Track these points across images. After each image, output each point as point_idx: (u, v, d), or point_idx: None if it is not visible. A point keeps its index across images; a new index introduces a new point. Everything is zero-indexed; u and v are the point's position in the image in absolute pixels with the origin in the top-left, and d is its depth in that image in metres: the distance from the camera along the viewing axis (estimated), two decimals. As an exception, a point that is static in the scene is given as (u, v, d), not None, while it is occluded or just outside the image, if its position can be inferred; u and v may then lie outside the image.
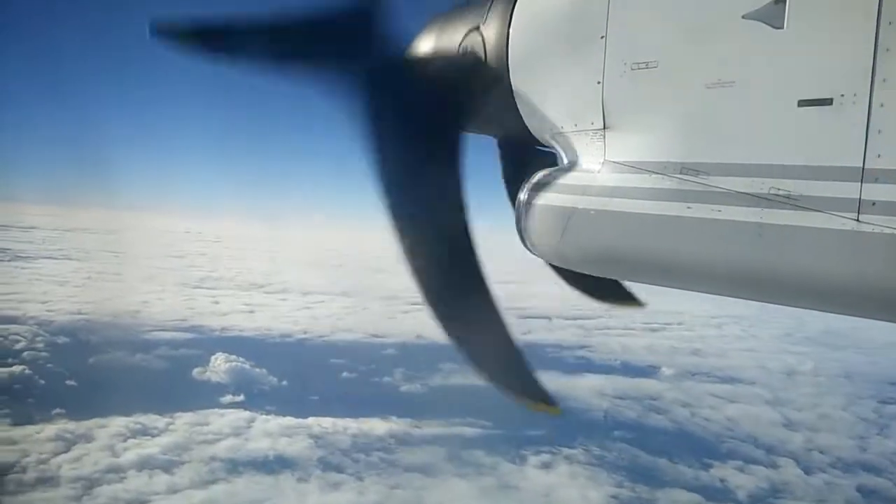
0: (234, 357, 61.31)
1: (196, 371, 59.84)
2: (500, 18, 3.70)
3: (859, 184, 2.32)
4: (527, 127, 3.75)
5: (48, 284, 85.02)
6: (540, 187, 3.55)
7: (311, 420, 48.50)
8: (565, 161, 3.53)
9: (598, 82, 3.17)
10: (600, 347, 70.33)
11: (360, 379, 61.29)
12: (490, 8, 3.82)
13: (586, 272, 3.61)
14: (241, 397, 54.27)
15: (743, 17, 2.55)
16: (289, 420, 48.65)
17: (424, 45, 4.20)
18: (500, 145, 4.40)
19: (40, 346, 62.63)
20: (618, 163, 3.14)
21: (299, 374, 58.34)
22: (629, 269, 3.40)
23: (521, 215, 3.62)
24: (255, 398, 54.05)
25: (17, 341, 62.77)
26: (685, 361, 66.59)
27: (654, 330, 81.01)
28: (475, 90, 3.83)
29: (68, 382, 54.69)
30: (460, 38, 3.95)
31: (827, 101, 2.38)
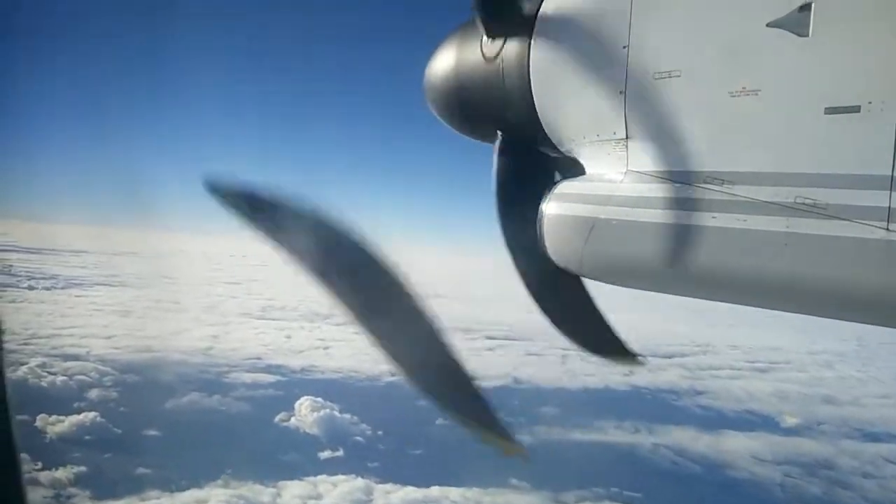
0: (319, 401, 55.52)
1: (279, 417, 54.13)
2: (520, 40, 3.63)
3: (888, 192, 2.30)
4: (547, 136, 3.66)
5: (108, 315, 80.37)
6: (563, 197, 3.50)
7: (435, 491, 42.30)
8: (588, 171, 3.48)
9: (621, 92, 3.12)
10: (721, 393, 63.51)
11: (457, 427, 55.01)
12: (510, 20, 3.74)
13: (608, 283, 3.51)
14: (340, 452, 48.53)
15: (767, 25, 2.52)
16: (412, 492, 42.46)
17: (445, 58, 4.14)
18: (501, 152, 4.01)
19: (108, 385, 57.66)
20: (641, 172, 3.09)
21: (393, 421, 52.20)
22: (652, 280, 3.26)
23: (543, 225, 3.54)
24: (356, 454, 48.26)
25: (85, 382, 57.76)
26: (826, 413, 59.53)
27: (761, 370, 74.23)
28: (496, 100, 3.81)
29: (148, 432, 49.21)
30: (481, 50, 3.90)
31: (854, 109, 2.36)
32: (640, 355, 4.08)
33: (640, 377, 67.28)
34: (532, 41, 3.58)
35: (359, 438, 50.75)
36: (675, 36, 2.97)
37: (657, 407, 58.97)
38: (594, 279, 3.55)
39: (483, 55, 3.87)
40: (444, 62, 4.18)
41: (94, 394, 55.66)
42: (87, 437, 47.84)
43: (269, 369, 63.05)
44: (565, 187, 3.56)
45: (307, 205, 3.52)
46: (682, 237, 2.88)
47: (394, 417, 52.40)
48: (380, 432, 51.32)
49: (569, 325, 3.98)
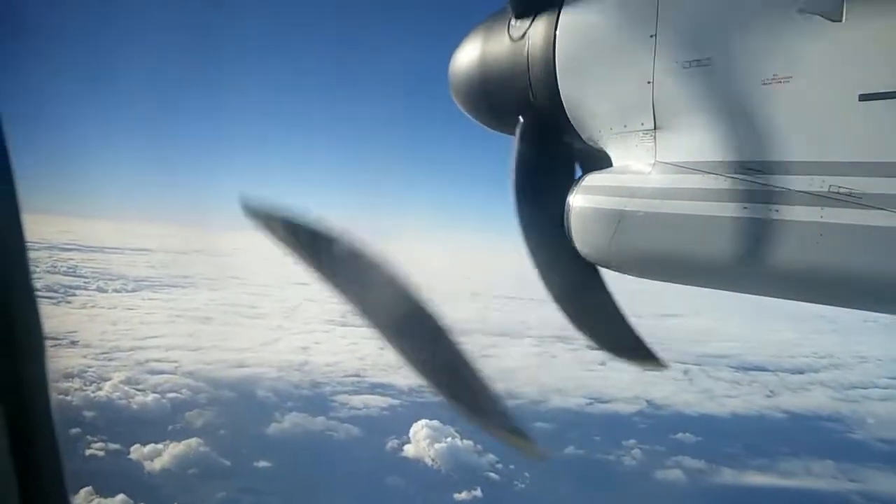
0: (436, 425, 49.12)
1: (392, 444, 48.08)
2: (547, 20, 3.58)
3: None
4: (571, 126, 3.59)
5: (190, 322, 75.55)
6: (589, 190, 3.45)
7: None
8: (615, 162, 3.41)
9: (649, 82, 3.04)
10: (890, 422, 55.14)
11: (591, 459, 48.24)
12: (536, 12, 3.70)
13: (637, 276, 3.46)
14: (478, 492, 42.06)
15: (798, 10, 2.49)
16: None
17: (470, 49, 4.10)
18: (522, 129, 3.88)
19: (204, 403, 52.44)
20: (669, 163, 3.05)
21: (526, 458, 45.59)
22: (681, 273, 3.18)
23: (570, 218, 3.47)
24: (495, 495, 41.73)
25: (178, 402, 52.57)
26: None
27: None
28: (520, 82, 3.73)
29: (258, 463, 43.61)
30: (508, 33, 3.85)
31: (890, 95, 2.32)
32: (662, 359, 3.92)
33: (783, 400, 59.80)
34: (558, 21, 3.50)
35: (493, 475, 44.30)
36: (703, 24, 2.92)
37: (827, 440, 51.26)
38: (622, 272, 3.45)
39: (510, 36, 3.81)
40: (469, 54, 4.11)
41: (191, 415, 50.39)
42: (191, 471, 42.43)
43: (374, 388, 56.94)
44: (592, 179, 3.47)
45: (339, 232, 3.42)
46: (712, 229, 2.83)
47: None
48: (511, 466, 44.81)
49: (589, 324, 3.89)
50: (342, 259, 3.40)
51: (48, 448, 2.04)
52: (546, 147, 3.81)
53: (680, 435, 51.58)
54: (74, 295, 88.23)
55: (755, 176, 2.68)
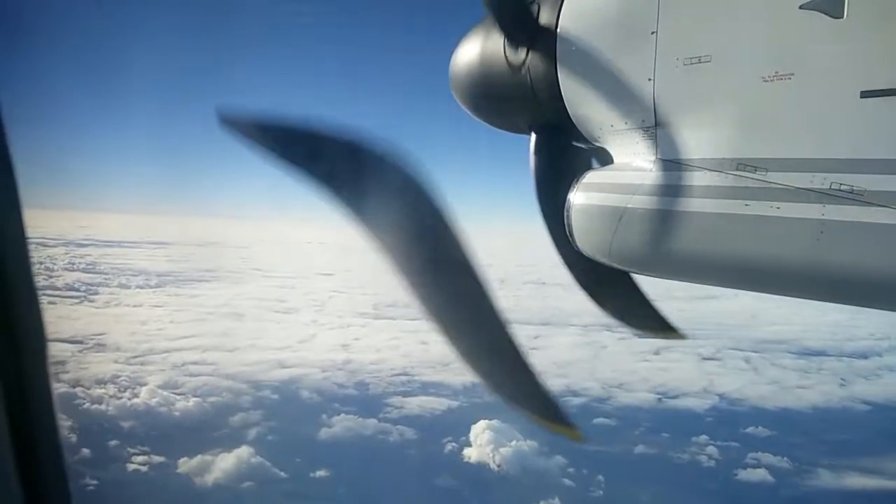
0: (497, 426, 45.88)
1: (450, 447, 44.89)
2: (548, 15, 3.56)
3: None
4: (574, 125, 3.62)
5: (221, 318, 72.53)
6: (590, 187, 3.46)
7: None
8: (616, 160, 3.44)
9: (649, 79, 3.05)
10: None
11: (665, 457, 44.99)
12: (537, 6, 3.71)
13: (638, 273, 3.56)
14: (557, 502, 38.88)
15: (800, 7, 2.50)
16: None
17: (470, 48, 4.07)
18: (536, 141, 3.98)
19: (248, 408, 49.38)
20: (670, 161, 3.06)
21: (594, 455, 42.49)
22: (683, 270, 3.20)
23: (571, 215, 3.50)
24: (575, 504, 38.57)
25: (220, 406, 49.54)
26: None
27: None
28: (522, 91, 3.74)
29: (317, 473, 40.54)
30: (504, 55, 3.83)
31: (891, 92, 2.35)
32: (679, 329, 4.10)
33: (860, 389, 56.12)
34: (558, 29, 3.47)
35: (568, 482, 41.05)
36: (705, 20, 2.92)
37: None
38: (623, 269, 3.50)
39: (508, 62, 3.77)
40: (470, 51, 4.06)
41: (236, 421, 47.30)
42: (247, 484, 39.39)
43: (426, 388, 53.62)
44: (593, 177, 3.50)
45: (336, 130, 3.39)
46: (713, 226, 2.85)
47: (593, 451, 42.81)
48: (584, 470, 41.60)
49: (612, 303, 4.03)
50: (343, 161, 3.27)
51: (51, 445, 2.03)
52: (561, 154, 3.85)
53: (758, 430, 48.19)
54: (97, 293, 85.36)
55: (756, 173, 2.67)
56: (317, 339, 64.99)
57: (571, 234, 3.48)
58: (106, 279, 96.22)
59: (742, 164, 2.74)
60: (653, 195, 3.07)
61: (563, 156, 3.84)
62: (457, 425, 47.35)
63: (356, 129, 3.38)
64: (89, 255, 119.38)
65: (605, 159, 3.58)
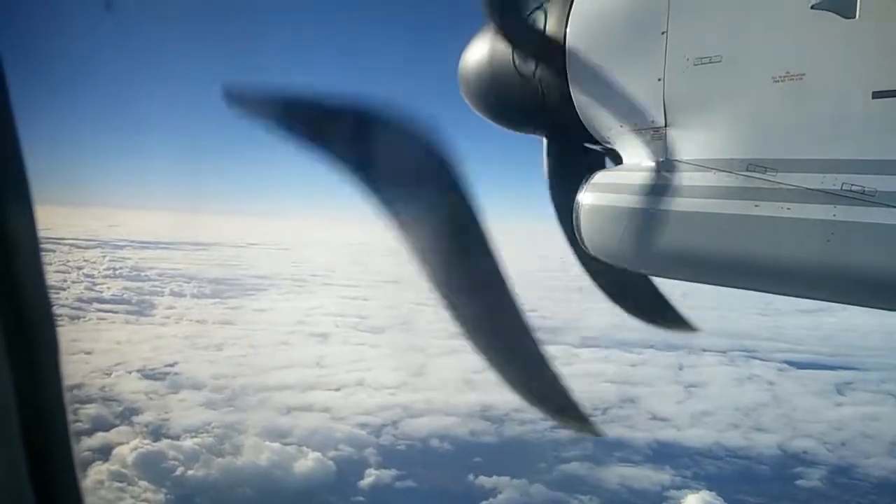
0: (705, 497, 35.55)
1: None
2: (558, 17, 3.55)
3: None
4: (584, 126, 3.58)
5: (306, 341, 62.11)
6: (599, 187, 3.43)
7: None
8: (625, 160, 3.40)
9: (659, 79, 3.03)
10: None
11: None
12: (545, 7, 3.67)
13: (647, 273, 3.56)
14: None
15: (812, 7, 2.49)
16: None
17: (479, 52, 4.03)
18: (549, 142, 4.07)
19: (379, 462, 39.22)
20: (680, 161, 3.04)
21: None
22: (692, 270, 3.18)
23: (580, 216, 3.46)
24: None
25: (352, 466, 39.27)
26: None
27: None
28: (532, 91, 3.71)
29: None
30: (513, 63, 3.80)
31: None
32: (692, 323, 4.11)
33: None
34: (567, 29, 3.44)
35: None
36: (715, 20, 2.90)
37: None
38: (631, 269, 3.46)
39: (517, 71, 3.74)
40: (480, 52, 4.00)
41: (367, 484, 37.16)
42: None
43: (609, 450, 42.97)
44: (601, 177, 3.47)
45: (349, 101, 3.33)
46: (723, 226, 2.84)
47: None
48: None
49: (628, 299, 4.02)
50: (362, 134, 3.20)
51: (64, 451, 2.01)
52: (574, 156, 3.83)
53: None
54: (151, 305, 75.31)
55: (767, 173, 2.66)
56: (430, 371, 54.41)
57: (580, 235, 3.46)
58: (154, 287, 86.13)
59: (752, 165, 2.71)
60: (662, 196, 3.03)
61: (576, 157, 3.80)
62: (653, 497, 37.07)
63: (376, 99, 3.22)
64: (127, 257, 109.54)
65: (618, 160, 3.52)
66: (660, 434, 43.20)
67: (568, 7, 3.47)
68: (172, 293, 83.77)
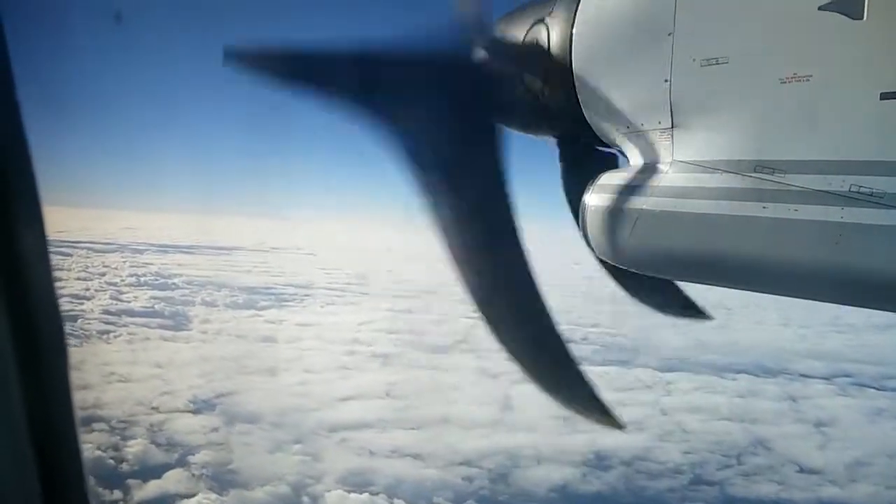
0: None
1: None
2: (564, 17, 3.56)
3: None
4: (590, 128, 3.62)
5: (367, 365, 55.57)
6: (605, 189, 3.44)
7: None
8: (631, 161, 3.42)
9: (666, 80, 3.04)
10: None
11: None
12: (552, 7, 3.70)
13: (654, 275, 3.49)
14: None
15: (819, 8, 2.46)
16: None
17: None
18: (560, 146, 4.06)
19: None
20: (687, 162, 3.05)
21: None
22: (700, 272, 3.17)
23: (586, 217, 3.48)
24: None
25: None
26: None
27: None
28: (537, 91, 3.73)
29: None
30: (522, 40, 3.83)
31: None
32: (707, 312, 4.09)
33: None
34: (574, 30, 3.44)
35: None
36: (722, 21, 2.89)
37: None
38: (638, 271, 3.43)
39: (525, 89, 3.77)
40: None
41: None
42: None
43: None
44: (608, 178, 3.47)
45: (353, 47, 3.27)
46: (730, 228, 2.82)
47: None
48: None
49: (643, 291, 4.02)
50: (365, 78, 3.16)
51: (70, 448, 2.01)
52: (586, 159, 3.82)
53: None
54: (186, 318, 68.87)
55: (774, 175, 2.65)
56: (518, 404, 47.81)
57: (586, 236, 3.45)
58: (184, 297, 79.64)
59: (760, 166, 2.70)
60: (668, 197, 3.03)
61: (588, 160, 3.80)
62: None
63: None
64: (150, 262, 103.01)
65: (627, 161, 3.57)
66: (822, 493, 36.53)
67: (573, 10, 3.45)
68: (204, 303, 77.35)
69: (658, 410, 46.14)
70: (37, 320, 1.86)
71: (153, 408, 43.27)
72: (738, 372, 56.78)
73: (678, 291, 3.99)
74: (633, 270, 3.41)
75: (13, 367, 1.76)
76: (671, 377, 54.27)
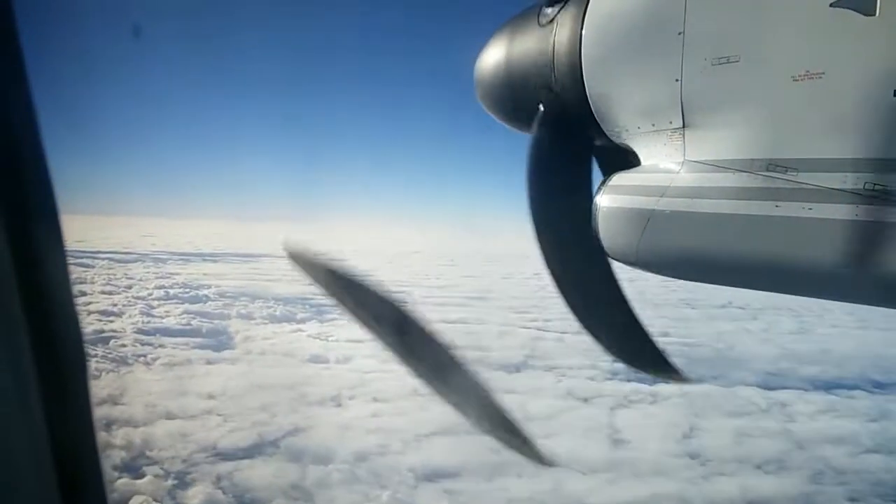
0: None
1: None
2: (573, 17, 3.56)
3: None
4: (597, 123, 3.59)
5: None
6: (617, 189, 3.43)
7: None
8: (643, 162, 3.39)
9: (677, 80, 3.02)
10: None
11: None
12: (562, 7, 3.68)
13: (666, 276, 3.47)
14: None
15: (831, 4, 2.43)
16: None
17: (496, 46, 4.07)
18: (539, 127, 3.97)
19: None
20: (699, 162, 3.01)
21: None
22: (712, 272, 3.15)
23: (597, 218, 3.47)
24: None
25: None
26: None
27: None
28: (544, 68, 3.71)
29: None
30: (532, 40, 3.83)
31: None
32: (682, 371, 3.81)
33: None
34: (583, 30, 3.42)
35: None
36: (732, 20, 2.83)
37: None
38: (651, 272, 3.38)
39: (538, 22, 3.77)
40: (495, 51, 4.08)
41: None
42: None
43: None
44: (620, 179, 3.43)
45: (376, 285, 3.38)
46: (743, 227, 2.75)
47: None
48: None
49: (603, 331, 3.81)
50: (372, 303, 3.39)
51: (90, 453, 2.01)
52: (564, 137, 3.77)
53: None
54: (228, 336, 62.93)
55: (787, 174, 2.60)
56: (627, 439, 41.58)
57: (598, 238, 3.43)
58: (218, 310, 73.71)
59: (772, 165, 2.64)
60: (681, 197, 2.99)
61: (567, 138, 3.74)
62: None
63: None
64: (175, 273, 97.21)
65: (609, 157, 3.57)
66: None
67: (583, 9, 3.47)
68: (240, 316, 71.49)
69: (793, 443, 39.83)
70: (57, 332, 1.85)
71: (213, 452, 37.25)
72: (851, 388, 50.69)
73: (657, 350, 3.77)
74: (646, 271, 3.33)
75: (34, 381, 1.75)
76: (783, 397, 48.12)
